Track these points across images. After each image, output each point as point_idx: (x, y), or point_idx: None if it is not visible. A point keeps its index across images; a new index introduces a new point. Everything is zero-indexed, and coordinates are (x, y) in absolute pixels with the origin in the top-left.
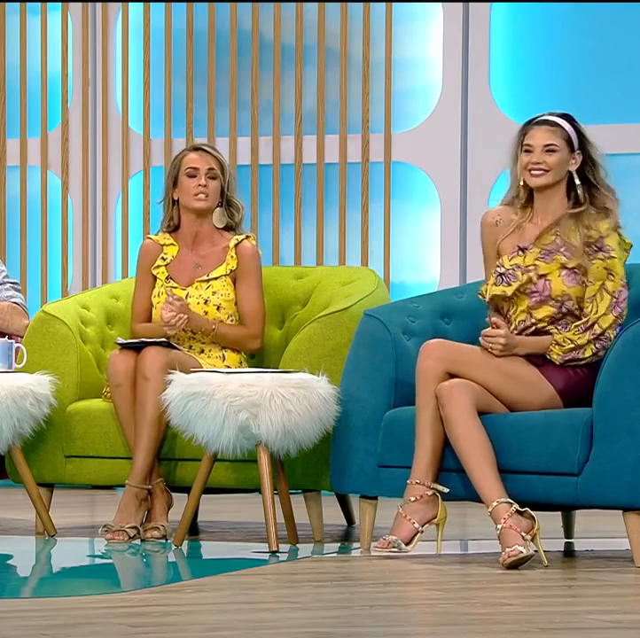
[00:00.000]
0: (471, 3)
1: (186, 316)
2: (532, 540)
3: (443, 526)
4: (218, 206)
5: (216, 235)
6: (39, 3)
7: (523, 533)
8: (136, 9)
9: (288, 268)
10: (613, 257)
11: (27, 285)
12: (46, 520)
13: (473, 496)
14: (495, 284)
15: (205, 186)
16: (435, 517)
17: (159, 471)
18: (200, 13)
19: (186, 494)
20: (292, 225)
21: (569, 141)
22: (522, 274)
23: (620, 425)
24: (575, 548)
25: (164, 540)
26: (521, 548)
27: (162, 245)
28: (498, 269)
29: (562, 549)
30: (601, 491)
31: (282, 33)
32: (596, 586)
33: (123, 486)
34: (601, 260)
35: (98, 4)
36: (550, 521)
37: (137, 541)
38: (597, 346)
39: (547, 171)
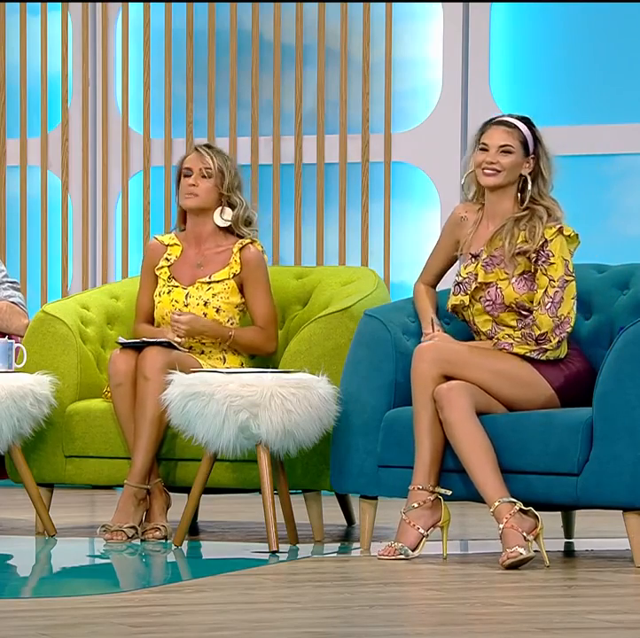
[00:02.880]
0: (471, 3)
1: (192, 315)
2: (535, 539)
3: (447, 529)
4: (220, 205)
5: (220, 236)
6: (39, 3)
7: (525, 534)
8: (136, 9)
9: (288, 268)
10: (552, 263)
11: (27, 285)
12: (46, 520)
13: (474, 496)
14: (454, 294)
15: (193, 185)
16: (439, 521)
17: (157, 472)
18: (200, 13)
19: (186, 494)
20: (292, 225)
21: (525, 144)
22: (474, 282)
23: (620, 425)
24: (575, 548)
25: (164, 541)
26: (521, 550)
27: (167, 246)
28: (457, 278)
29: (562, 549)
30: (601, 491)
31: (282, 33)
32: (596, 586)
33: (123, 486)
34: (543, 268)
35: (98, 4)
36: (550, 521)
37: (136, 541)
38: (536, 348)
39: (499, 171)
